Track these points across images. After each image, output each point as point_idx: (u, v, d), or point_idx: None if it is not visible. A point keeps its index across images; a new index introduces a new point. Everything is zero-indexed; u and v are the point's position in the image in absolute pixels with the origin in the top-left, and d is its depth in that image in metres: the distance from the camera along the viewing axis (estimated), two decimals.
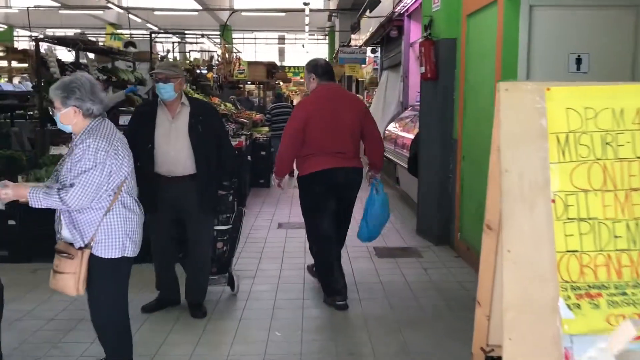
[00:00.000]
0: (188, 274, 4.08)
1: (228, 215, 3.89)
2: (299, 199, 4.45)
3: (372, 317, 4.08)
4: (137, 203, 2.92)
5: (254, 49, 34.12)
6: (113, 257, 2.78)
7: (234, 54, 15.19)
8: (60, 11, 23.31)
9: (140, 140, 3.66)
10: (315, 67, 4.37)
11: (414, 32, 9.42)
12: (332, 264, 4.22)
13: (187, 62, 12.31)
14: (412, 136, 7.76)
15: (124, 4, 24.03)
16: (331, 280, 4.20)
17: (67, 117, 2.73)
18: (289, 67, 33.00)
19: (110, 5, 18.51)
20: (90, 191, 2.65)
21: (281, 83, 26.89)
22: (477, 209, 5.17)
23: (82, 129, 2.75)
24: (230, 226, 3.97)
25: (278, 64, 32.72)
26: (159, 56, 11.47)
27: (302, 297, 4.48)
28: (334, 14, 25.45)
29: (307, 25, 23.44)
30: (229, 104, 13.54)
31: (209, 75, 13.45)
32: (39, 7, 20.85)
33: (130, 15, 22.62)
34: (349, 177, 4.23)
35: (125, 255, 2.82)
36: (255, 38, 33.37)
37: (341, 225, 4.39)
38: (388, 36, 10.52)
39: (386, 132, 9.60)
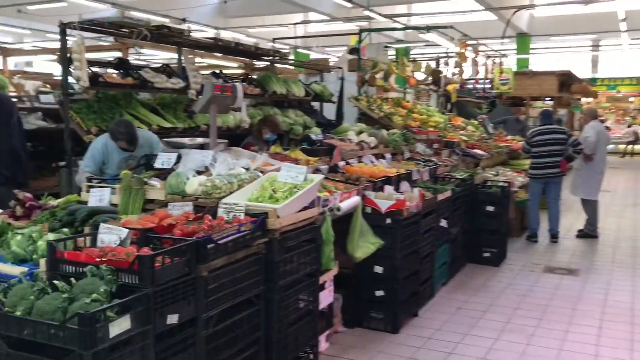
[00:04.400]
0: None
1: None
2: None
3: None
4: None
5: (552, 58, 28.35)
6: None
7: (491, 60, 11.10)
8: None
9: None
10: None
11: None
12: None
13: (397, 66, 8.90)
14: None
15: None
16: None
17: None
18: (602, 80, 26.55)
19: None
20: None
21: (582, 99, 21.05)
22: None
23: None
24: None
25: (591, 75, 26.44)
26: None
27: None
28: None
29: (623, 20, 17.48)
30: (475, 124, 9.71)
31: (451, 87, 9.79)
32: None
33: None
34: None
35: None
36: (553, 47, 27.52)
37: None
38: None
39: None
